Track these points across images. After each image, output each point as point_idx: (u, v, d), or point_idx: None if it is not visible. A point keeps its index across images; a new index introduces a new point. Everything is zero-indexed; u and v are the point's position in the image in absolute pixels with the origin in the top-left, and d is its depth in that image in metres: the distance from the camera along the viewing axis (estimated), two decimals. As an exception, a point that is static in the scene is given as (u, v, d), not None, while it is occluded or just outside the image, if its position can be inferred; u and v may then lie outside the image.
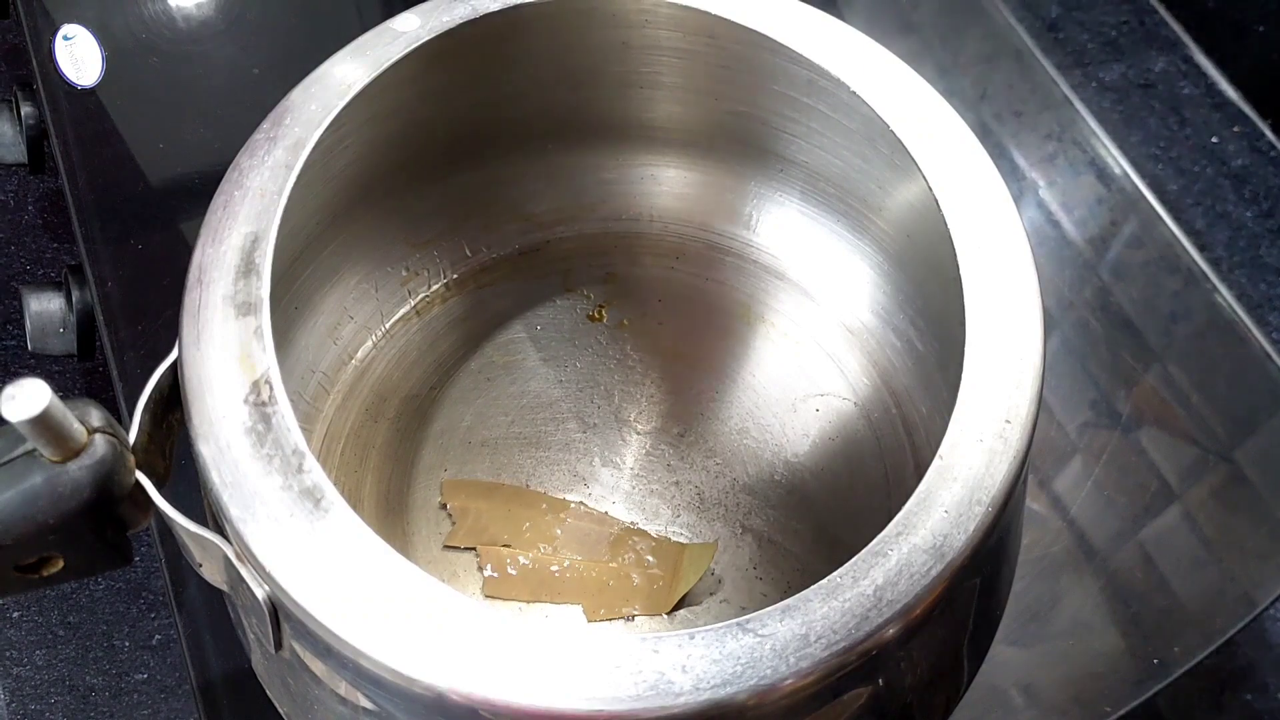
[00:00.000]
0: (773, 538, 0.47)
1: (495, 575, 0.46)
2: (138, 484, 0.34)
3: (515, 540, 0.47)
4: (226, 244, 0.38)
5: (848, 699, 0.33)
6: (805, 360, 0.51)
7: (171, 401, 0.37)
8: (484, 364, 0.51)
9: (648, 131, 0.52)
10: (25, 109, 0.61)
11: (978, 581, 0.37)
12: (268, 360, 0.35)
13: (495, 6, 0.44)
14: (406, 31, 0.43)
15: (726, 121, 0.50)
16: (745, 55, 0.46)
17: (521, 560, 0.46)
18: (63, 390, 0.39)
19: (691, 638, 0.31)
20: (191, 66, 0.63)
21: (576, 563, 0.46)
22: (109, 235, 0.57)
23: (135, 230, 0.58)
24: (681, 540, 0.47)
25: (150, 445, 0.36)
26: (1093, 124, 0.64)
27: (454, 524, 0.47)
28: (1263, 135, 0.65)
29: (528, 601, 0.46)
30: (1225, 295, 0.58)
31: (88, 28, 0.63)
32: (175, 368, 0.36)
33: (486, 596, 0.46)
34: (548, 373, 0.51)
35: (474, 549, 0.47)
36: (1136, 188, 0.62)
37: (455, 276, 0.53)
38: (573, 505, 0.48)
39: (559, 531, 0.47)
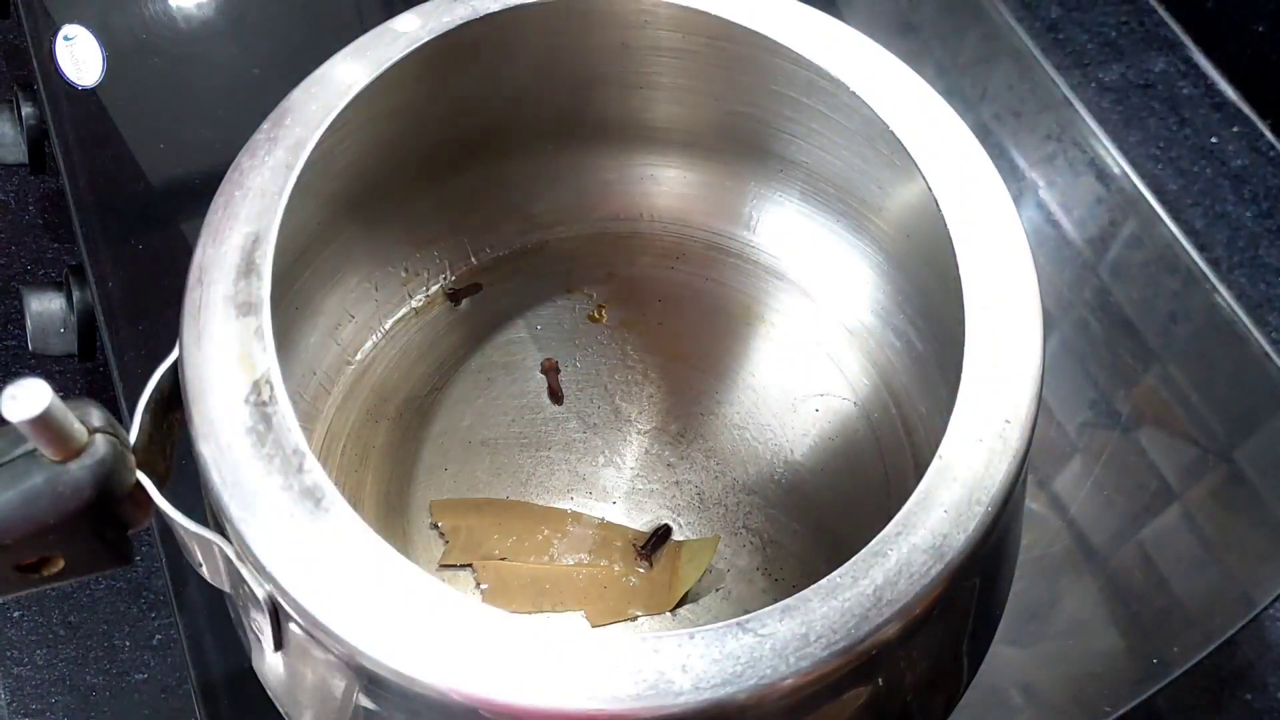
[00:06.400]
0: (773, 537, 0.47)
1: (494, 589, 0.46)
2: (138, 484, 0.34)
3: (510, 553, 0.47)
4: (227, 244, 0.38)
5: (848, 699, 0.33)
6: (805, 360, 0.51)
7: (172, 401, 0.37)
8: (484, 364, 0.51)
9: (648, 131, 0.52)
10: (26, 109, 0.61)
11: (977, 581, 0.37)
12: (268, 360, 0.35)
13: (495, 7, 0.44)
14: (407, 32, 0.43)
15: (726, 121, 0.50)
16: (745, 56, 0.46)
17: (519, 572, 0.46)
18: (63, 390, 0.39)
19: (691, 637, 0.31)
20: (191, 66, 0.63)
21: (574, 569, 0.46)
22: (109, 235, 0.57)
23: (136, 230, 0.58)
24: (681, 540, 0.47)
25: (151, 445, 0.36)
26: (1092, 124, 0.64)
27: (447, 543, 0.47)
28: (1262, 135, 0.65)
29: (529, 613, 0.46)
30: (1225, 295, 0.58)
31: (88, 28, 0.63)
32: (176, 368, 0.36)
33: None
34: (548, 373, 0.51)
35: (470, 565, 0.46)
36: (1136, 188, 0.62)
37: (455, 276, 0.53)
38: (566, 512, 0.48)
39: (554, 539, 0.47)
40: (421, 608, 0.31)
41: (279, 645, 0.35)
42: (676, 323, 0.52)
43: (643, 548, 0.47)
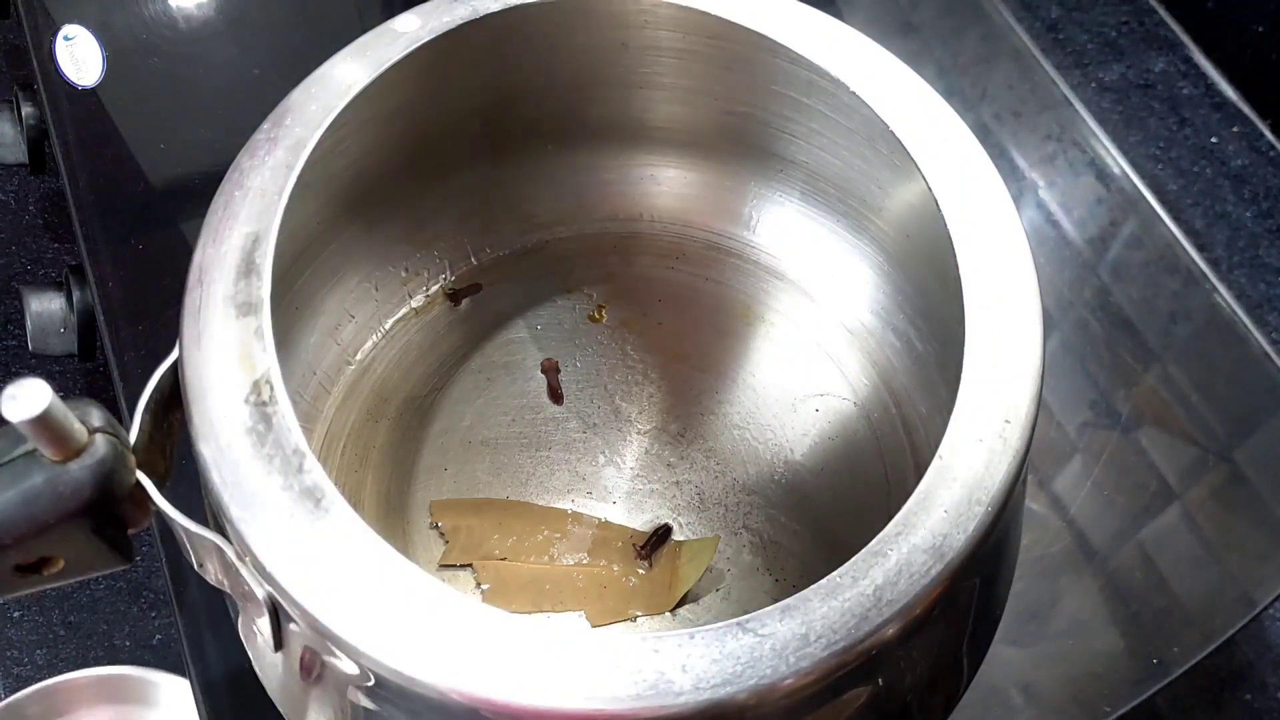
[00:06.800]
0: (773, 537, 0.47)
1: (494, 589, 0.46)
2: (138, 484, 0.34)
3: (510, 553, 0.47)
4: (227, 244, 0.38)
5: (847, 699, 0.33)
6: (805, 360, 0.51)
7: (172, 401, 0.37)
8: (484, 364, 0.51)
9: (648, 131, 0.52)
10: (26, 109, 0.61)
11: (977, 581, 0.37)
12: (268, 360, 0.35)
13: (495, 7, 0.44)
14: (407, 32, 0.43)
15: (726, 121, 0.50)
16: (745, 55, 0.46)
17: (519, 572, 0.46)
18: (63, 390, 0.39)
19: (691, 637, 0.31)
20: (191, 66, 0.63)
21: (574, 569, 0.46)
22: (109, 235, 0.57)
23: (136, 230, 0.58)
24: (681, 540, 0.47)
25: (151, 445, 0.36)
26: (1092, 124, 0.64)
27: (447, 543, 0.47)
28: (1262, 135, 0.65)
29: (529, 613, 0.46)
30: (1225, 295, 0.58)
31: (88, 28, 0.63)
32: (176, 368, 0.36)
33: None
34: (548, 373, 0.51)
35: (470, 565, 0.46)
36: (1136, 188, 0.62)
37: (455, 276, 0.53)
38: (566, 512, 0.48)
39: (554, 540, 0.47)
40: (421, 608, 0.31)
41: (279, 645, 0.35)
42: (676, 323, 0.52)
43: (642, 548, 0.47)
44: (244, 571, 0.33)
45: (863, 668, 0.32)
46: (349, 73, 0.42)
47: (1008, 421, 0.35)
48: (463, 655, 0.31)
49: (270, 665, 0.39)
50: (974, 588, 0.37)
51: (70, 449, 0.32)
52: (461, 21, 0.44)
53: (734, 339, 0.52)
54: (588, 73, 0.49)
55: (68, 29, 0.63)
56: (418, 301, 0.52)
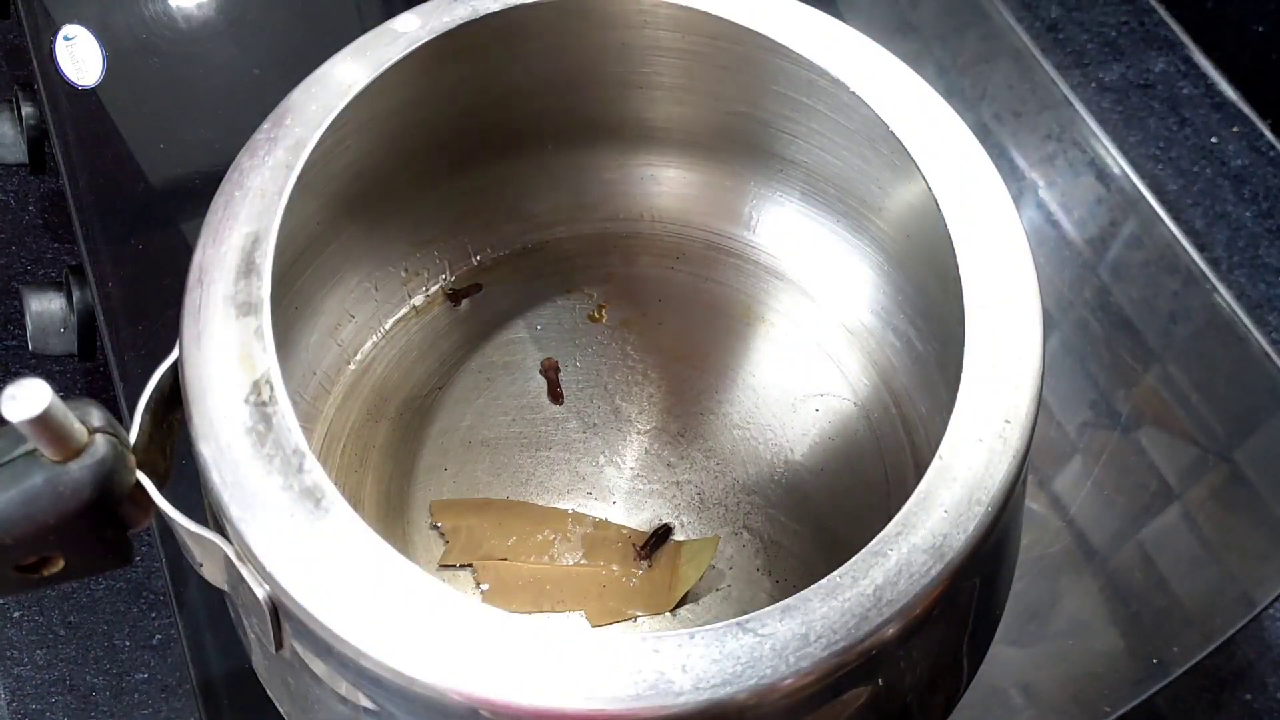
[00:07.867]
0: (773, 537, 0.47)
1: (494, 589, 0.46)
2: (138, 484, 0.34)
3: (510, 553, 0.47)
4: (227, 244, 0.38)
5: (847, 699, 0.33)
6: (805, 360, 0.51)
7: (172, 401, 0.37)
8: (484, 364, 0.51)
9: (648, 131, 0.52)
10: (26, 109, 0.61)
11: (977, 581, 0.37)
12: (268, 360, 0.35)
13: (495, 7, 0.44)
14: (407, 32, 0.43)
15: (726, 122, 0.50)
16: (745, 55, 0.46)
17: (519, 572, 0.46)
18: (63, 390, 0.39)
19: (691, 637, 0.31)
20: (191, 66, 0.63)
21: (574, 569, 0.46)
22: (109, 235, 0.57)
23: (136, 230, 0.58)
24: (681, 540, 0.47)
25: (151, 445, 0.36)
26: (1092, 124, 0.64)
27: (447, 543, 0.47)
28: (1262, 135, 0.65)
29: (529, 613, 0.46)
30: (1224, 295, 0.58)
31: (88, 28, 0.63)
32: (176, 368, 0.36)
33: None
34: (548, 373, 0.51)
35: (470, 565, 0.46)
36: (1136, 188, 0.62)
37: (455, 276, 0.53)
38: (566, 512, 0.48)
39: (554, 540, 0.47)
40: (421, 608, 0.31)
41: (279, 645, 0.35)
42: (676, 323, 0.52)
43: (642, 548, 0.47)
44: (244, 571, 0.33)
45: (863, 668, 0.32)
46: (349, 73, 0.42)
47: (1008, 421, 0.35)
48: (463, 655, 0.31)
49: (270, 665, 0.39)
50: (974, 588, 0.37)
51: (70, 449, 0.32)
52: (461, 21, 0.44)
53: (734, 339, 0.52)
54: (588, 73, 0.49)
55: (68, 29, 0.63)
56: (418, 301, 0.52)
